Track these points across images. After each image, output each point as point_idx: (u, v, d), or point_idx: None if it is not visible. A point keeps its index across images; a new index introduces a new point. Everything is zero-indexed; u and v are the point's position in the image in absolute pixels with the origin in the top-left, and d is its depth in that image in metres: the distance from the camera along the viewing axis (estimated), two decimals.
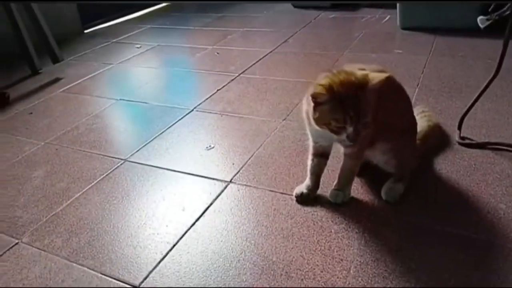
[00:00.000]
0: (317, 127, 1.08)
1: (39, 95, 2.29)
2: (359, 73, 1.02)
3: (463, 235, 1.09)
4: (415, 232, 1.12)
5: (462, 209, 1.18)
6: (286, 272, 1.04)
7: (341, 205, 1.23)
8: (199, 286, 1.02)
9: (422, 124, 1.48)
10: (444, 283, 0.96)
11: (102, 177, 1.51)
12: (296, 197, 1.28)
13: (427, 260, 1.03)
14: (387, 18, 3.07)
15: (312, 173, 1.27)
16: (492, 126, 1.55)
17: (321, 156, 1.25)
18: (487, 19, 1.33)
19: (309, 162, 1.27)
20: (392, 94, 1.18)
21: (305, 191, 1.27)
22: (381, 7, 3.31)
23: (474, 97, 1.47)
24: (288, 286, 1.00)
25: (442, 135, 1.52)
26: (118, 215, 1.31)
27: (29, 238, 1.24)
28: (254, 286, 1.01)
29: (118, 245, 1.19)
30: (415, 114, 1.54)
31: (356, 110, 0.99)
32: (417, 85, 1.95)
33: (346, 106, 0.99)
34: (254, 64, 2.46)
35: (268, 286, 1.00)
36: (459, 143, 1.46)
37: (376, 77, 1.00)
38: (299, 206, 1.26)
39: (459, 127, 1.49)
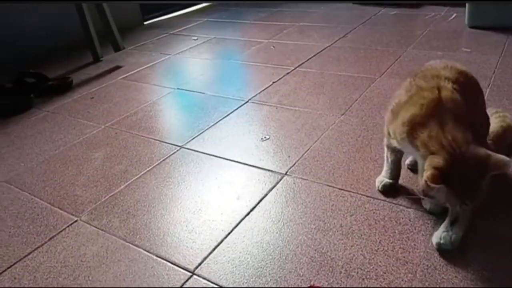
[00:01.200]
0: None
1: (100, 81, 2.37)
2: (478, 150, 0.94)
3: None
4: (487, 240, 1.03)
5: None
6: (346, 270, 0.98)
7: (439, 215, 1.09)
8: (252, 279, 1.00)
9: (495, 125, 1.37)
10: None
11: (159, 162, 1.52)
12: (381, 188, 1.22)
13: (500, 267, 0.94)
14: (453, 16, 2.90)
15: (392, 164, 1.21)
16: None
17: (400, 151, 1.18)
18: None
19: (387, 155, 1.21)
20: None
21: (388, 180, 1.22)
22: (446, 5, 3.13)
23: None
24: (349, 286, 0.94)
25: None
26: (174, 200, 1.31)
27: (88, 216, 1.27)
28: (312, 282, 0.96)
29: (174, 229, 1.19)
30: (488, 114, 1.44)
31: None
32: (489, 85, 1.81)
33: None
34: (310, 58, 2.40)
35: (326, 285, 0.95)
36: None
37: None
38: (359, 203, 1.20)
39: None
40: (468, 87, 1.09)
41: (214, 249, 1.09)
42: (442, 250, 1.00)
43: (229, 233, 1.14)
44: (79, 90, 2.27)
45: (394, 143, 1.10)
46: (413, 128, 1.00)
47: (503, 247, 1.00)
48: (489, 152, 0.94)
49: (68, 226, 1.23)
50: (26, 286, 1.04)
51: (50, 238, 1.19)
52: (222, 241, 1.12)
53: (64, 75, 2.43)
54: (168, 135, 1.73)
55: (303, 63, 2.34)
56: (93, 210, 1.29)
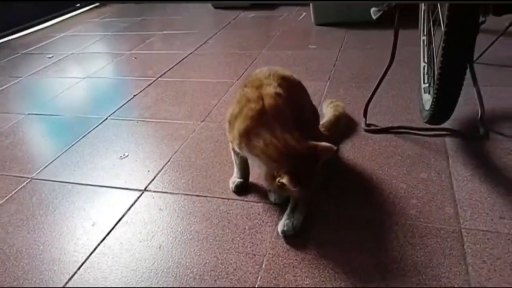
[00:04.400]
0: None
1: None
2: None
3: (366, 216, 1.14)
4: (323, 219, 1.15)
5: (365, 192, 1.24)
6: (200, 275, 1.02)
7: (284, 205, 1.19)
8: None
9: (329, 114, 1.54)
10: (351, 262, 1.00)
11: (6, 198, 1.40)
12: (234, 188, 1.29)
13: (337, 243, 1.06)
14: (302, 16, 3.17)
15: (240, 165, 1.29)
16: (395, 112, 1.64)
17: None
18: (378, 10, 1.40)
19: (235, 157, 1.28)
20: None
21: (239, 180, 1.29)
22: (297, 5, 3.40)
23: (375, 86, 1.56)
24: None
25: (350, 124, 1.59)
26: (22, 238, 1.21)
27: None
28: None
29: (22, 270, 1.10)
30: (325, 105, 1.61)
31: None
32: (329, 78, 2.02)
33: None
34: (173, 67, 2.42)
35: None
36: (365, 130, 1.53)
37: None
38: (214, 206, 1.25)
39: (365, 115, 1.57)
40: (291, 89, 1.20)
41: (66, 283, 1.04)
42: (287, 236, 1.10)
43: (82, 264, 1.10)
44: None
45: (237, 150, 1.18)
46: (248, 139, 1.09)
47: (339, 222, 1.14)
48: (315, 142, 1.07)
49: None
50: None
51: None
52: (74, 273, 1.07)
53: None
54: (17, 166, 1.59)
55: (165, 72, 2.34)
56: None
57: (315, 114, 1.36)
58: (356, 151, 1.43)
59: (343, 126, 1.55)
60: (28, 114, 2.03)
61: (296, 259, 1.04)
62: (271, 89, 1.14)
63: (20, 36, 3.47)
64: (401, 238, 1.06)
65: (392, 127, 1.51)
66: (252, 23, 3.19)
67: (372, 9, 1.42)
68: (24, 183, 1.47)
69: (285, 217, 1.13)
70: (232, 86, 2.06)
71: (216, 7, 3.64)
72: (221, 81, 2.15)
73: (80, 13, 4.04)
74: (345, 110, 1.59)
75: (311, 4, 2.87)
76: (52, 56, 2.84)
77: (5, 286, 1.04)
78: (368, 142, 1.47)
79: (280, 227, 1.12)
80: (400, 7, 1.37)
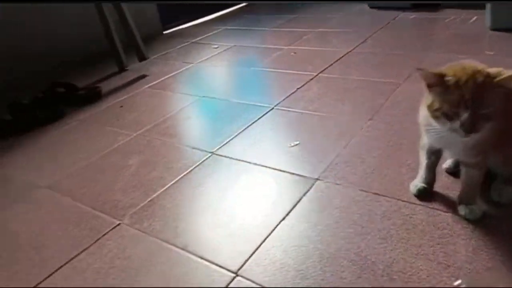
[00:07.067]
0: (433, 124, 1.03)
1: (127, 90, 2.43)
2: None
3: None
4: None
5: None
6: (388, 274, 1.00)
7: (480, 221, 1.12)
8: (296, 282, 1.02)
9: None
10: None
11: (192, 167, 1.56)
12: (415, 192, 1.24)
13: None
14: (473, 19, 2.90)
15: (427, 168, 1.22)
16: None
17: (437, 153, 1.20)
18: None
19: (423, 159, 1.22)
20: None
21: (423, 185, 1.23)
22: (465, 8, 3.14)
23: None
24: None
25: None
26: (210, 204, 1.35)
27: (130, 220, 1.31)
28: (355, 285, 0.99)
29: (213, 232, 1.22)
30: None
31: (475, 96, 0.92)
32: None
33: (461, 89, 0.93)
34: (332, 64, 2.43)
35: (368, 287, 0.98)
36: None
37: (503, 73, 0.94)
38: (395, 208, 1.22)
39: None
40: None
41: (254, 252, 1.13)
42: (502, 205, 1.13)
43: (267, 237, 1.17)
44: (107, 99, 2.33)
45: (428, 122, 1.06)
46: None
47: None
48: None
49: (111, 230, 1.28)
50: (77, 286, 1.08)
51: (96, 241, 1.23)
52: (261, 244, 1.15)
53: (92, 84, 2.50)
54: (198, 142, 1.77)
55: (325, 69, 2.37)
56: (134, 214, 1.34)
57: None
58: None
59: None
60: (202, 96, 2.25)
61: (500, 280, 0.95)
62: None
63: (187, 27, 3.87)
64: None
65: None
66: (413, 25, 3.04)
67: None
68: (207, 157, 1.63)
69: (497, 187, 1.14)
70: (399, 87, 1.99)
71: (371, 7, 3.56)
72: (385, 81, 2.09)
73: (236, 9, 4.33)
74: None
75: (486, 7, 2.62)
76: (218, 47, 3.10)
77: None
78: None
79: (495, 195, 1.14)
80: None
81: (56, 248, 1.22)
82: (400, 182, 1.32)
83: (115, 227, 1.29)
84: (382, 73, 2.21)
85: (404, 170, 1.38)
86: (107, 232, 1.27)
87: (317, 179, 1.41)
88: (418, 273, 0.99)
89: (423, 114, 1.08)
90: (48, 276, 1.12)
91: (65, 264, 1.16)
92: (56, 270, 1.14)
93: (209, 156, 1.63)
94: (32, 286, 1.10)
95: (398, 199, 1.25)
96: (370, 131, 1.66)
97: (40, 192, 1.52)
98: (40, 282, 1.11)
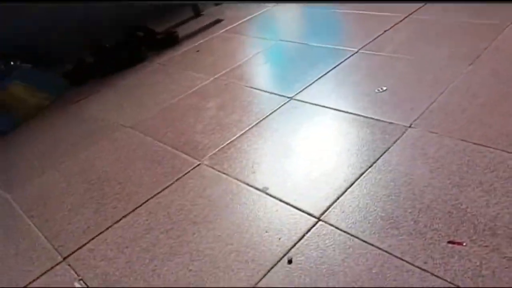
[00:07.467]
0: None
1: (203, 34, 2.40)
2: None
3: None
4: None
5: None
6: (490, 228, 0.90)
7: None
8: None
9: None
10: None
11: (271, 112, 1.51)
12: None
13: None
14: None
15: None
16: None
17: None
18: None
19: None
20: None
21: None
22: None
23: None
24: (495, 244, 0.86)
25: None
26: (290, 149, 1.30)
27: (210, 161, 1.32)
28: (451, 238, 0.90)
29: (295, 177, 1.18)
30: None
31: None
32: None
33: None
34: (424, 5, 2.18)
35: (469, 242, 0.88)
36: None
37: None
38: (500, 159, 1.08)
39: None
40: None
41: (338, 198, 1.07)
42: None
43: (352, 184, 1.11)
44: (185, 43, 2.33)
45: None
46: None
47: None
48: None
49: (192, 169, 1.29)
50: (161, 220, 1.11)
51: (177, 179, 1.26)
52: (345, 190, 1.09)
53: (170, 29, 2.51)
54: (276, 86, 1.71)
55: (416, 10, 2.13)
56: (213, 155, 1.34)
57: None
58: None
59: None
60: (279, 40, 2.15)
61: None
62: None
63: None
64: None
65: None
66: None
67: None
68: (286, 102, 1.57)
69: None
70: (506, 29, 1.73)
71: None
72: (486, 23, 1.83)
73: None
74: None
75: None
76: None
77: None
78: None
79: None
80: None
81: (141, 184, 1.27)
82: (506, 133, 1.16)
83: (195, 167, 1.30)
84: (484, 15, 1.93)
85: (511, 120, 1.21)
86: (188, 171, 1.28)
87: (409, 126, 1.29)
88: None
89: None
90: (134, 209, 1.17)
91: (149, 199, 1.20)
92: (141, 205, 1.18)
93: (288, 101, 1.57)
94: (119, 218, 1.15)
95: (504, 150, 1.10)
96: (471, 77, 1.47)
97: (124, 131, 1.58)
98: (127, 215, 1.16)
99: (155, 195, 1.21)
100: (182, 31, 2.48)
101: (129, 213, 1.16)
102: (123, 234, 1.10)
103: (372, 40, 1.90)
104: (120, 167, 1.37)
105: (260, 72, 1.86)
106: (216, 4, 2.74)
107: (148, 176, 1.30)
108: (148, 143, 1.47)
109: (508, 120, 1.21)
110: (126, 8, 2.81)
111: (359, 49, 1.84)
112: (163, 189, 1.22)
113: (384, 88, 1.51)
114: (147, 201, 1.19)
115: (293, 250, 0.96)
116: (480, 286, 0.79)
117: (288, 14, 2.55)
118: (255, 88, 1.71)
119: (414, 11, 2.11)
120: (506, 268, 0.82)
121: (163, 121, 1.59)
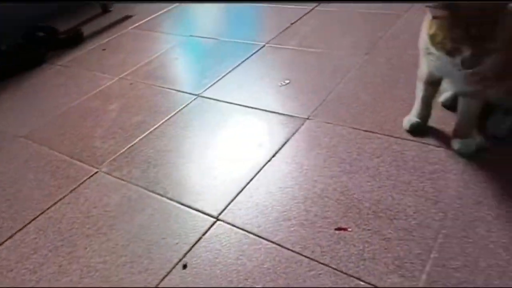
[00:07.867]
0: (433, 51, 0.93)
1: (111, 31, 2.29)
2: None
3: None
4: None
5: None
6: (374, 212, 0.95)
7: (474, 156, 1.04)
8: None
9: None
10: None
11: (176, 111, 1.48)
12: (408, 127, 1.15)
13: None
14: None
15: (423, 101, 1.12)
16: None
17: (434, 84, 1.09)
18: None
19: (420, 91, 1.12)
20: None
21: (417, 120, 1.14)
22: None
23: None
24: (377, 226, 0.91)
25: None
26: (194, 149, 1.28)
27: (108, 167, 1.25)
28: (338, 224, 0.93)
29: (195, 177, 1.17)
30: None
31: (483, 31, 0.82)
32: None
33: (468, 24, 0.82)
34: None
35: (354, 227, 0.92)
36: None
37: None
38: (386, 144, 1.14)
39: None
40: None
41: (236, 195, 1.07)
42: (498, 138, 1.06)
43: (251, 179, 1.11)
44: (90, 42, 2.20)
45: (428, 47, 0.95)
46: None
47: None
48: None
49: (88, 178, 1.22)
50: (50, 237, 1.04)
51: (72, 190, 1.18)
52: (244, 187, 1.09)
53: (75, 27, 2.36)
54: (184, 84, 1.67)
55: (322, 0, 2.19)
56: (113, 161, 1.28)
57: None
58: None
59: None
60: (190, 36, 2.11)
61: (489, 214, 0.89)
62: None
63: None
64: None
65: None
66: None
67: None
68: (193, 99, 1.54)
69: (496, 118, 1.07)
70: (401, 19, 1.83)
71: None
72: (388, 12, 1.92)
73: None
74: None
75: None
76: None
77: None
78: None
79: (491, 126, 1.07)
80: None
81: (31, 199, 1.18)
82: (393, 118, 1.23)
83: (92, 175, 1.23)
84: (385, 4, 2.03)
85: (399, 105, 1.28)
86: (84, 181, 1.21)
87: (307, 118, 1.32)
88: (405, 210, 0.93)
89: (424, 37, 0.96)
90: (21, 228, 1.08)
91: (39, 215, 1.12)
92: (30, 222, 1.10)
93: (195, 99, 1.54)
94: (4, 239, 1.06)
95: (390, 136, 1.17)
96: (366, 66, 1.54)
97: (17, 141, 1.46)
98: (13, 235, 1.07)
99: (45, 210, 1.13)
100: (88, 29, 2.35)
101: (16, 232, 1.07)
102: (7, 256, 1.01)
103: (279, 33, 1.92)
104: (8, 183, 1.26)
105: (168, 69, 1.81)
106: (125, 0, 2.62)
107: (39, 189, 1.21)
108: (43, 153, 1.37)
109: (396, 105, 1.29)
110: (26, 7, 2.61)
111: (266, 43, 1.86)
112: (55, 203, 1.15)
113: (287, 81, 1.53)
114: (36, 217, 1.11)
115: (189, 254, 0.94)
116: (361, 269, 0.83)
117: (200, 8, 2.51)
118: (162, 87, 1.66)
119: (322, 2, 2.17)
120: (385, 249, 0.86)
121: (61, 127, 1.49)
